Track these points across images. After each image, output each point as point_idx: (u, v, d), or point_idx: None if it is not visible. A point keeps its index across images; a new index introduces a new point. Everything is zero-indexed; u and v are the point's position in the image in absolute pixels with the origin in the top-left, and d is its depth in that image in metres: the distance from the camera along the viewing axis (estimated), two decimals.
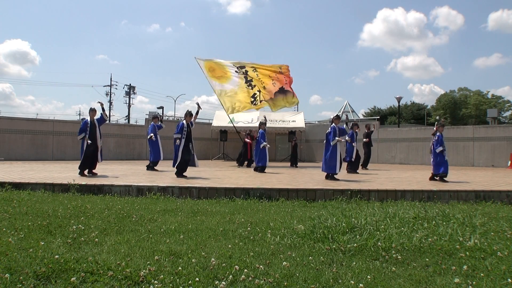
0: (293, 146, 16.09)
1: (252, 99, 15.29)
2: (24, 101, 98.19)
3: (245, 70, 15.70)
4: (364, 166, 13.67)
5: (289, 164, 15.87)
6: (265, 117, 14.07)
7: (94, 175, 9.22)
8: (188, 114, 9.82)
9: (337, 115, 9.59)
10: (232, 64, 15.83)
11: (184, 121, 9.64)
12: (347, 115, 14.24)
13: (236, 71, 15.63)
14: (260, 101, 15.37)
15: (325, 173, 9.31)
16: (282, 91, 15.59)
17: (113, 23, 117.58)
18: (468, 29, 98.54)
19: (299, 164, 16.15)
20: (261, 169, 11.92)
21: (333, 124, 9.40)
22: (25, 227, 4.14)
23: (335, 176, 9.14)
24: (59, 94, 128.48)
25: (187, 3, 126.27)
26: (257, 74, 15.64)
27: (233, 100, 15.15)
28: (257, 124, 19.86)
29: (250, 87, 15.41)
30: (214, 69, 15.58)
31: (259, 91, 15.37)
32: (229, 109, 15.12)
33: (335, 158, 9.03)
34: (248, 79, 15.55)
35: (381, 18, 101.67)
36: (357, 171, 12.15)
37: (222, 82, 15.38)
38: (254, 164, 12.79)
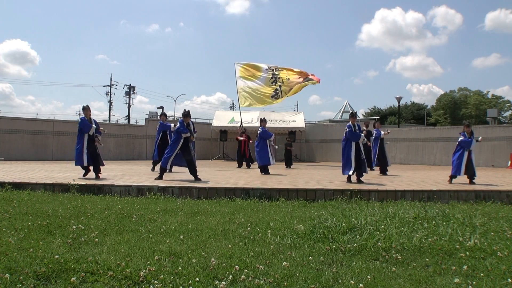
0: (286, 147, 16.06)
1: (273, 93, 16.90)
2: (24, 101, 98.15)
3: (276, 67, 17.27)
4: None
5: (288, 165, 15.81)
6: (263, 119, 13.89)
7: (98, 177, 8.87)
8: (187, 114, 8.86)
9: (351, 113, 9.12)
10: (266, 65, 17.42)
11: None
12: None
13: (266, 69, 17.21)
14: (282, 96, 16.97)
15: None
16: (306, 79, 17.17)
17: (112, 23, 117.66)
18: (466, 29, 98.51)
19: (293, 165, 16.08)
20: (264, 168, 11.52)
21: (349, 123, 8.78)
22: (25, 227, 4.14)
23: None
24: (59, 94, 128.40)
25: (185, 3, 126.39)
26: (287, 75, 17.18)
27: (253, 94, 16.81)
28: (257, 124, 19.87)
29: (274, 83, 16.96)
30: (248, 70, 17.25)
31: (280, 86, 16.91)
32: (245, 102, 16.28)
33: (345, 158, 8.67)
34: (276, 73, 17.07)
35: (379, 19, 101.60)
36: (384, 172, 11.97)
37: (247, 80, 17.03)
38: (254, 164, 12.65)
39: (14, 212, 5.02)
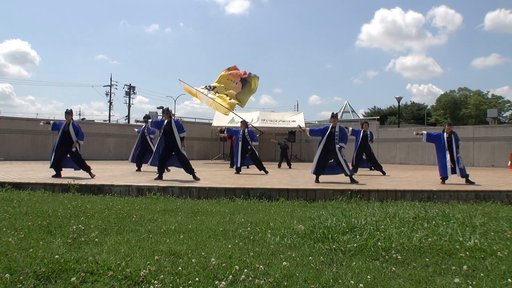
0: (283, 147, 16.08)
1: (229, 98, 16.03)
2: (24, 101, 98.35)
3: (212, 86, 16.21)
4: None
5: (287, 166, 15.79)
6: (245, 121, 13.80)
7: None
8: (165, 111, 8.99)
9: (332, 114, 8.98)
10: (204, 91, 16.33)
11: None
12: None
13: (207, 92, 16.18)
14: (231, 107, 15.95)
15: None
16: (244, 82, 16.04)
17: (112, 23, 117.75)
18: (466, 29, 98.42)
19: (285, 165, 16.07)
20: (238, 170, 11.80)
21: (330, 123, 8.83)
22: (25, 227, 4.14)
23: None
24: (59, 94, 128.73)
25: (185, 3, 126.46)
26: (220, 85, 16.14)
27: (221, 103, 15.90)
28: (257, 124, 19.90)
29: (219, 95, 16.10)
30: (191, 92, 16.22)
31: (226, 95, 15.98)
32: (227, 110, 15.73)
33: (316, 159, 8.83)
34: (216, 91, 16.08)
35: (379, 19, 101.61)
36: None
37: (201, 93, 16.03)
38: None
39: (14, 212, 5.02)
